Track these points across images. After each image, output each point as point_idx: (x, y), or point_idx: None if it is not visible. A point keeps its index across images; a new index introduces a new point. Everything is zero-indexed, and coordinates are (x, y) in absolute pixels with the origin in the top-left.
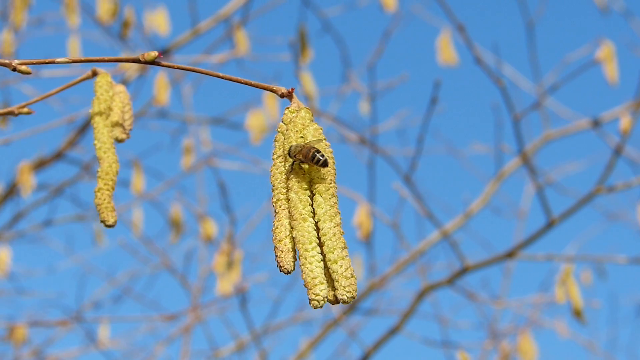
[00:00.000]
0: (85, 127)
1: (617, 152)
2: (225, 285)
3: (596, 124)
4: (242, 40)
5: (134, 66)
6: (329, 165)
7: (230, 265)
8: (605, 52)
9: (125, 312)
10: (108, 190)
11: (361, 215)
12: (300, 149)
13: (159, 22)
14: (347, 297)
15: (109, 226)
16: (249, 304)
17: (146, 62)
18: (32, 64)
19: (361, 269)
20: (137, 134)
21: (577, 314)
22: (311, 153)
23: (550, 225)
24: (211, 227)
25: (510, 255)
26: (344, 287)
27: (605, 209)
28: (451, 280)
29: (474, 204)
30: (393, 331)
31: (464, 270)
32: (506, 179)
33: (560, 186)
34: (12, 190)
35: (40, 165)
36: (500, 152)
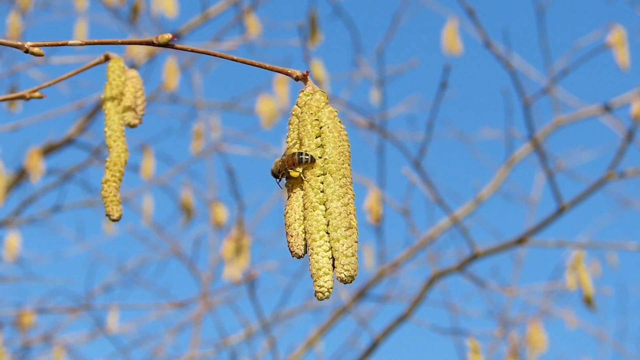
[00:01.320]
0: (94, 113)
1: (628, 137)
2: (233, 271)
3: (607, 109)
4: (253, 24)
5: (143, 51)
6: (342, 148)
7: (239, 251)
8: (616, 37)
9: (134, 299)
10: (115, 182)
11: (371, 201)
12: (282, 163)
13: (166, 5)
14: (345, 276)
15: (114, 220)
16: (259, 291)
17: (160, 45)
18: (45, 46)
19: (371, 255)
20: (147, 119)
21: (588, 300)
22: (295, 157)
23: (561, 211)
24: (222, 213)
25: (520, 241)
26: (343, 265)
27: (616, 195)
28: (461, 267)
29: (484, 190)
30: (402, 318)
31: (474, 257)
32: (517, 165)
33: (572, 172)
34: (22, 175)
35: (49, 151)
36: (511, 137)
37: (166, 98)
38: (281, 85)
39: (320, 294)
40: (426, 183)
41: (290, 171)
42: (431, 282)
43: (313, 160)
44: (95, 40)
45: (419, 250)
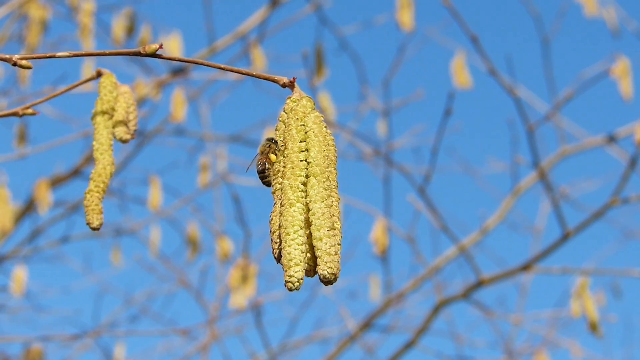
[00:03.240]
0: None
1: (632, 164)
2: (239, 299)
3: (611, 139)
4: (259, 57)
5: (151, 84)
6: (327, 152)
7: (245, 279)
8: (621, 67)
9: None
10: (98, 192)
11: (378, 231)
12: (260, 157)
13: (172, 47)
14: (328, 273)
15: (94, 229)
16: (265, 322)
17: (147, 55)
18: (33, 58)
19: (377, 285)
20: (154, 151)
21: (593, 327)
22: (266, 145)
23: (565, 237)
24: (228, 245)
25: (525, 268)
26: (326, 262)
27: (620, 225)
28: (466, 294)
29: (490, 220)
30: (408, 346)
31: (479, 284)
32: (522, 195)
33: (576, 202)
34: (30, 206)
35: (57, 182)
36: (516, 167)
37: (173, 130)
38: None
39: (290, 284)
40: (431, 210)
41: (270, 157)
42: (437, 309)
43: (276, 143)
44: (83, 52)
45: (426, 280)
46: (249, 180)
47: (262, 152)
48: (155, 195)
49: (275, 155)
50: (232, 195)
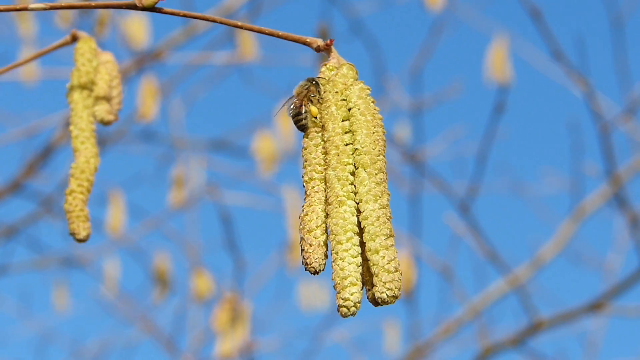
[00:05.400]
0: (49, 149)
1: None
2: (226, 346)
3: None
4: (248, 40)
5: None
6: (377, 135)
7: (234, 321)
8: None
9: None
10: (82, 193)
11: (402, 262)
12: (295, 98)
13: (135, 28)
14: (388, 296)
15: (80, 240)
16: None
17: (144, 9)
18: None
19: (397, 333)
20: (115, 159)
21: None
22: (304, 86)
23: None
24: (206, 281)
25: (594, 307)
26: (384, 282)
27: None
28: (518, 340)
29: (545, 249)
30: None
31: (534, 328)
32: (587, 219)
33: None
34: None
35: None
36: (580, 180)
37: (139, 133)
38: (285, 119)
39: (344, 309)
40: (475, 234)
41: (311, 108)
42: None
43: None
44: (63, 4)
45: (464, 323)
46: (239, 196)
47: (298, 95)
48: (115, 216)
49: (316, 106)
50: (220, 214)
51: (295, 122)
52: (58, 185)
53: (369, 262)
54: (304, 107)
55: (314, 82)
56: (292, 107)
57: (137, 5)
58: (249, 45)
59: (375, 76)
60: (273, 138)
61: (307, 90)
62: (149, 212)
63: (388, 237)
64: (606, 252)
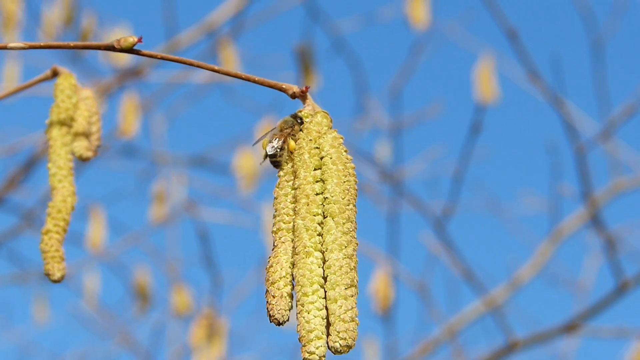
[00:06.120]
0: (31, 163)
1: None
2: None
3: None
4: (231, 58)
5: (93, 91)
6: (348, 185)
7: (211, 337)
8: None
9: None
10: (58, 233)
11: (379, 280)
12: (276, 132)
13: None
14: (341, 345)
15: (55, 281)
16: None
17: (122, 50)
18: None
19: (376, 351)
20: (95, 175)
21: None
22: (288, 122)
23: (621, 290)
24: (186, 296)
25: (569, 328)
26: (338, 332)
27: None
28: None
29: (523, 270)
30: None
31: (510, 348)
32: (564, 240)
33: (634, 251)
34: None
35: None
36: (558, 201)
37: (120, 149)
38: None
39: None
40: (451, 254)
41: (289, 142)
42: None
43: (302, 120)
44: (42, 44)
45: (440, 342)
46: (219, 213)
47: (281, 130)
48: (96, 231)
49: (295, 142)
50: (198, 231)
51: (270, 157)
52: (39, 200)
53: (328, 310)
54: (283, 143)
55: (299, 120)
56: (273, 143)
57: (116, 47)
58: (230, 63)
59: (357, 95)
60: (253, 155)
61: (291, 129)
62: (130, 228)
63: (349, 287)
64: (581, 274)
